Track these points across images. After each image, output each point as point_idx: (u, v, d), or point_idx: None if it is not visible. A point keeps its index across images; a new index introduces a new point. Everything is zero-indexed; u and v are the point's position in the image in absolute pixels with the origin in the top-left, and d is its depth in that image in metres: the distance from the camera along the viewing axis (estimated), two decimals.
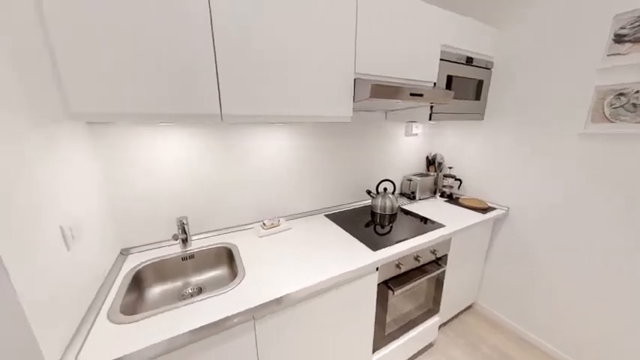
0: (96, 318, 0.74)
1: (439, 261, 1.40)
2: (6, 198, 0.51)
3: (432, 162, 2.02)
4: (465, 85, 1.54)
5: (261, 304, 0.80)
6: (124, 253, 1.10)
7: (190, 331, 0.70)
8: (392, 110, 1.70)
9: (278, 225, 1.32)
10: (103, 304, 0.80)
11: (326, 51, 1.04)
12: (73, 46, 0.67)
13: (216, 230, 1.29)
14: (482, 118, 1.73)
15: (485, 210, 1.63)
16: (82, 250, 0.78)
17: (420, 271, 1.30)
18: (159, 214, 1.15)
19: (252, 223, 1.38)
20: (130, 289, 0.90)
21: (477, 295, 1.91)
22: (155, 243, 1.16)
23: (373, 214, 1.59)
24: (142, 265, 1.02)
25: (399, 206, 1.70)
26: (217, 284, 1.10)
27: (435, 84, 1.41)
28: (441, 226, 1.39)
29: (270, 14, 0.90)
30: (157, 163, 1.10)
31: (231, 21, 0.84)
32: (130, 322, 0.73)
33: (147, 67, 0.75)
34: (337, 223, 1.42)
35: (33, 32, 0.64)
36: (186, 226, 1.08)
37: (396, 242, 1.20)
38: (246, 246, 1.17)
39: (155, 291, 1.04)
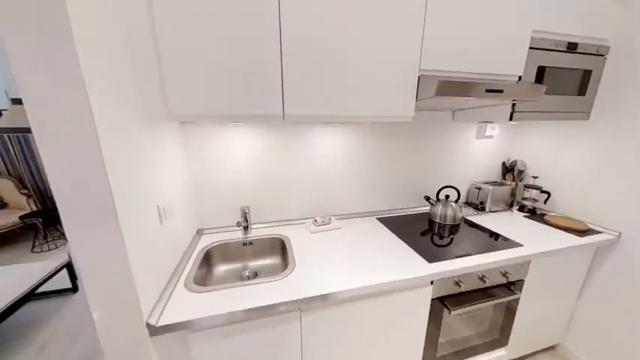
0: (177, 283, 0.90)
1: (512, 286, 1.19)
2: (130, 179, 0.67)
3: (509, 169, 1.72)
4: (563, 78, 1.26)
5: (308, 297, 0.84)
6: (199, 233, 1.29)
7: (246, 310, 0.78)
8: (461, 109, 1.52)
9: (329, 223, 1.35)
10: (181, 273, 0.96)
11: (389, 49, 1.00)
12: (174, 61, 0.82)
13: (271, 222, 1.40)
14: (588, 118, 1.38)
15: (583, 232, 1.31)
16: (170, 227, 0.95)
17: (485, 293, 1.13)
18: (226, 203, 1.31)
19: (304, 219, 1.44)
20: (201, 264, 1.06)
21: (562, 335, 1.55)
22: (222, 227, 1.33)
23: (431, 222, 1.46)
24: (212, 245, 1.18)
25: (462, 217, 1.52)
26: (270, 272, 1.19)
27: (520, 78, 1.19)
28: (516, 245, 1.18)
29: (332, 17, 0.92)
30: (227, 158, 1.26)
31: (297, 28, 0.89)
32: (200, 292, 0.85)
33: (225, 76, 0.87)
34: (389, 228, 1.36)
35: (149, 53, 0.81)
36: (248, 215, 1.21)
37: (457, 257, 1.08)
38: (297, 240, 1.23)
39: (220, 269, 1.19)
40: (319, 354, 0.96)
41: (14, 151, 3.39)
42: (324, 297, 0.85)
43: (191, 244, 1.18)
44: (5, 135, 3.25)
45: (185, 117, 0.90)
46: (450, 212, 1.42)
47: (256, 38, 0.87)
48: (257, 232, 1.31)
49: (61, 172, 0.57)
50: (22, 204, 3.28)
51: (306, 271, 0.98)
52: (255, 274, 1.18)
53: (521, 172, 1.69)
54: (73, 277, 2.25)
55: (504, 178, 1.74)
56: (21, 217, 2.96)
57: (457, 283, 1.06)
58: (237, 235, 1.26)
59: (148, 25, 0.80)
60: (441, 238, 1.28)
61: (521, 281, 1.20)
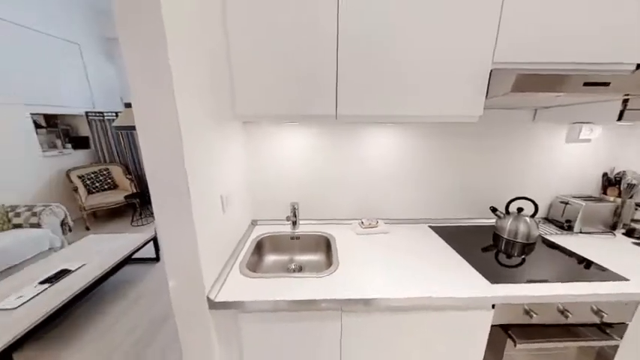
0: (232, 267, 1.00)
1: (608, 329, 0.95)
2: (201, 171, 0.78)
3: (613, 182, 1.37)
4: None
5: (349, 299, 0.83)
6: (253, 223, 1.42)
7: (290, 301, 0.82)
8: (547, 107, 1.28)
9: (376, 226, 1.31)
10: (237, 257, 1.07)
11: (455, 43, 0.91)
12: (241, 67, 0.92)
13: (318, 219, 1.43)
14: None
15: None
16: (230, 215, 1.07)
17: (566, 331, 0.93)
18: (278, 197, 1.40)
19: (351, 219, 1.43)
20: (254, 252, 1.15)
21: None
22: (273, 220, 1.42)
23: (497, 237, 1.27)
24: (263, 236, 1.28)
25: (539, 235, 1.28)
26: (314, 267, 1.22)
27: (638, 66, 0.94)
28: (618, 278, 0.93)
29: (390, 16, 0.88)
30: (281, 156, 1.34)
31: (354, 32, 0.89)
32: (252, 278, 0.94)
33: (283, 78, 0.93)
34: (444, 239, 1.24)
35: (223, 61, 0.92)
36: (297, 211, 1.26)
37: (529, 281, 0.91)
38: (342, 240, 1.23)
39: (270, 258, 1.28)
40: (358, 358, 0.95)
41: (124, 144, 4.31)
42: (367, 301, 0.83)
43: (246, 232, 1.30)
44: (119, 131, 4.15)
45: (247, 117, 1.00)
46: (522, 228, 1.21)
47: (314, 42, 0.90)
48: (304, 227, 1.36)
49: (152, 162, 0.69)
50: (126, 186, 4.15)
51: (349, 271, 0.97)
52: (300, 268, 1.23)
53: (631, 186, 1.32)
54: (157, 249, 2.75)
55: (605, 193, 1.39)
56: (125, 197, 3.74)
57: (527, 313, 0.90)
58: (287, 228, 1.34)
59: (224, 38, 0.90)
60: (509, 257, 1.11)
61: (623, 325, 0.95)
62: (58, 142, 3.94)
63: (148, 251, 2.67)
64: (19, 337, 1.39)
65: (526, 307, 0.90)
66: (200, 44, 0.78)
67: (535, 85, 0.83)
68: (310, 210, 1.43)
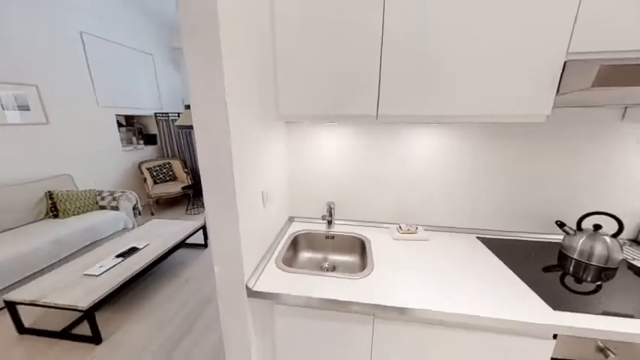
0: (269, 260, 1.05)
1: None
2: (246, 168, 0.84)
3: None
4: None
5: (383, 305, 0.80)
6: (291, 219, 1.46)
7: (323, 299, 0.83)
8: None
9: (415, 232, 1.24)
10: (274, 251, 1.12)
11: (519, 32, 0.81)
12: (286, 69, 0.96)
13: (354, 220, 1.41)
14: None
15: None
16: (269, 210, 1.12)
17: None
18: (315, 196, 1.42)
19: (388, 223, 1.38)
20: (289, 247, 1.20)
21: None
22: (309, 218, 1.45)
23: (563, 257, 1.09)
24: (299, 233, 1.32)
25: (623, 259, 1.05)
26: (347, 268, 1.21)
27: None
28: None
29: (440, 9, 0.82)
30: (320, 155, 1.36)
31: (401, 29, 0.85)
32: (287, 272, 0.97)
33: (325, 80, 0.94)
34: (495, 252, 1.11)
35: (269, 64, 0.97)
36: (332, 210, 1.27)
37: (606, 313, 0.76)
38: (378, 243, 1.19)
39: (304, 255, 1.31)
40: None
41: (182, 141, 4.87)
42: (402, 310, 0.80)
43: (283, 228, 1.35)
44: (179, 130, 4.70)
45: (289, 117, 1.04)
46: (600, 249, 1.02)
47: (358, 39, 0.89)
48: (339, 227, 1.36)
49: (206, 159, 0.77)
50: (183, 178, 4.68)
51: (384, 276, 0.94)
52: (333, 267, 1.24)
53: None
54: (205, 236, 3.04)
55: None
56: (182, 188, 4.23)
57: (602, 351, 0.75)
58: (322, 227, 1.35)
59: (271, 40, 0.95)
60: (579, 281, 0.94)
61: None
62: (134, 139, 4.63)
63: (198, 238, 2.97)
64: (102, 297, 1.68)
65: (600, 344, 0.75)
66: (250, 51, 0.84)
67: (624, 77, 0.68)
68: (346, 210, 1.42)
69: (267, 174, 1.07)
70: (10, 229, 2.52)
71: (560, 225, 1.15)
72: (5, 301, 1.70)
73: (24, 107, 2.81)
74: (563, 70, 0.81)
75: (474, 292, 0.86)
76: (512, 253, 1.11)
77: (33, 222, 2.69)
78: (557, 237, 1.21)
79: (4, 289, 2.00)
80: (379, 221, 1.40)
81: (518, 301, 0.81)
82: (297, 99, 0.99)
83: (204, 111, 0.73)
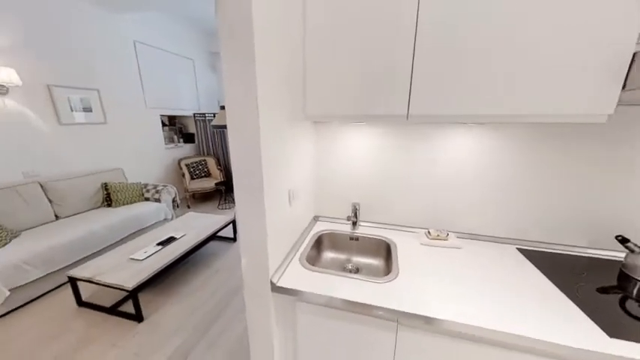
0: (293, 257, 1.07)
1: None
2: (274, 166, 0.86)
3: None
4: None
5: (408, 313, 0.77)
6: (315, 218, 1.47)
7: (345, 300, 0.82)
8: None
9: (445, 239, 1.17)
10: (298, 249, 1.14)
11: (575, 19, 0.72)
12: (314, 69, 0.97)
13: (379, 223, 1.38)
14: None
15: None
16: (295, 209, 1.14)
17: None
18: (340, 196, 1.41)
19: (415, 227, 1.32)
20: (313, 246, 1.20)
21: None
22: (334, 218, 1.45)
23: (624, 277, 0.95)
24: (323, 232, 1.32)
25: None
26: (371, 271, 1.19)
27: None
28: None
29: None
30: (347, 155, 1.35)
31: (436, 25, 0.81)
32: (310, 270, 0.98)
33: (351, 79, 0.93)
34: (538, 267, 1.00)
35: (299, 65, 0.98)
36: (358, 212, 1.25)
37: None
38: (405, 248, 1.15)
39: (328, 255, 1.31)
40: None
41: (217, 140, 5.18)
42: (428, 320, 0.76)
43: (308, 226, 1.37)
44: (214, 129, 5.01)
45: (316, 117, 1.04)
46: None
47: (390, 36, 0.86)
48: (364, 229, 1.33)
49: (238, 157, 0.81)
50: (216, 175, 4.98)
51: (411, 283, 0.90)
52: (357, 269, 1.22)
53: None
54: (234, 231, 3.20)
55: None
56: (215, 184, 4.51)
57: None
58: (347, 228, 1.34)
59: (300, 39, 0.97)
60: None
61: None
62: (175, 137, 5.04)
63: (228, 232, 3.14)
64: (145, 280, 1.87)
65: None
66: (281, 54, 0.86)
67: None
68: (372, 212, 1.39)
69: (293, 173, 1.09)
70: (76, 214, 2.92)
71: (622, 241, 1.00)
72: (69, 277, 1.97)
73: (87, 109, 3.24)
74: (631, 62, 0.70)
75: (512, 308, 0.78)
76: (560, 269, 0.99)
77: (92, 209, 3.08)
78: (616, 254, 1.06)
79: (68, 266, 2.30)
80: (406, 225, 1.34)
81: (567, 324, 0.72)
82: (324, 99, 0.99)
83: (237, 111, 0.76)
